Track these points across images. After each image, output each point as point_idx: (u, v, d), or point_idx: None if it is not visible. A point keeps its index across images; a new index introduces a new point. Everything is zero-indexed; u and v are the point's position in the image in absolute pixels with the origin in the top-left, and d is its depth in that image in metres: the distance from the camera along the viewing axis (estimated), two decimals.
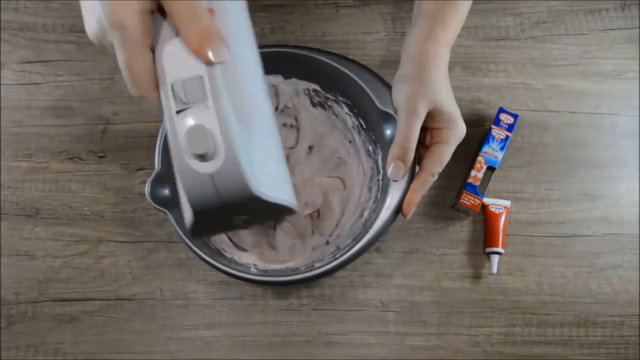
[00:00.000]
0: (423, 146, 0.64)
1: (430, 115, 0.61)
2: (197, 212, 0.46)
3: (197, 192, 0.44)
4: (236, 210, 0.48)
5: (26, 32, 0.79)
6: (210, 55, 0.42)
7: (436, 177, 0.63)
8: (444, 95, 0.62)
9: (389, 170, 0.62)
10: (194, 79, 0.43)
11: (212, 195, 0.44)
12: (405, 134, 0.61)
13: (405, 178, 0.63)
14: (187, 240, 0.65)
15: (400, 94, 0.62)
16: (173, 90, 0.43)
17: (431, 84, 0.61)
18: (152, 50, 0.44)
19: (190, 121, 0.43)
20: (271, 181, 0.48)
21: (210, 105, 0.43)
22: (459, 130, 0.63)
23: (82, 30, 0.78)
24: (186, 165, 0.43)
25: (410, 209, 0.63)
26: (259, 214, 0.52)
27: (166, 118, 0.44)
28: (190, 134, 0.42)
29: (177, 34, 0.43)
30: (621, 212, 0.74)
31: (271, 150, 0.51)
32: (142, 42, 0.43)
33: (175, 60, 0.43)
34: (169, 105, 0.43)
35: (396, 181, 0.63)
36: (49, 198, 0.75)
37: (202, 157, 0.43)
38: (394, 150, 0.62)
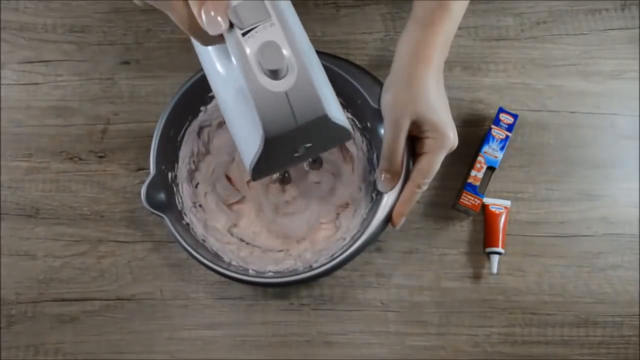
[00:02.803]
0: (415, 155, 0.64)
1: (416, 125, 0.61)
2: (268, 140, 0.46)
3: (273, 113, 0.44)
4: (304, 136, 0.48)
5: (26, 32, 0.79)
6: None
7: (424, 187, 0.63)
8: (430, 104, 0.60)
9: (379, 184, 0.63)
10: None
11: (286, 116, 0.44)
12: (389, 146, 0.61)
13: (402, 179, 0.63)
14: (185, 245, 0.65)
15: (386, 102, 0.62)
16: (236, 13, 0.43)
17: (415, 93, 0.60)
18: None
19: (259, 39, 0.43)
20: (332, 104, 0.48)
21: (275, 22, 0.44)
22: (446, 140, 0.61)
23: (82, 30, 0.79)
24: (260, 85, 0.44)
25: (400, 219, 0.64)
26: (322, 140, 0.52)
27: (232, 43, 0.44)
28: (262, 50, 0.43)
29: None
30: (621, 212, 0.74)
31: (323, 76, 0.50)
32: None
33: None
34: (234, 28, 0.44)
35: (386, 193, 0.63)
36: (49, 198, 0.75)
37: (276, 74, 0.43)
38: (381, 164, 0.62)
